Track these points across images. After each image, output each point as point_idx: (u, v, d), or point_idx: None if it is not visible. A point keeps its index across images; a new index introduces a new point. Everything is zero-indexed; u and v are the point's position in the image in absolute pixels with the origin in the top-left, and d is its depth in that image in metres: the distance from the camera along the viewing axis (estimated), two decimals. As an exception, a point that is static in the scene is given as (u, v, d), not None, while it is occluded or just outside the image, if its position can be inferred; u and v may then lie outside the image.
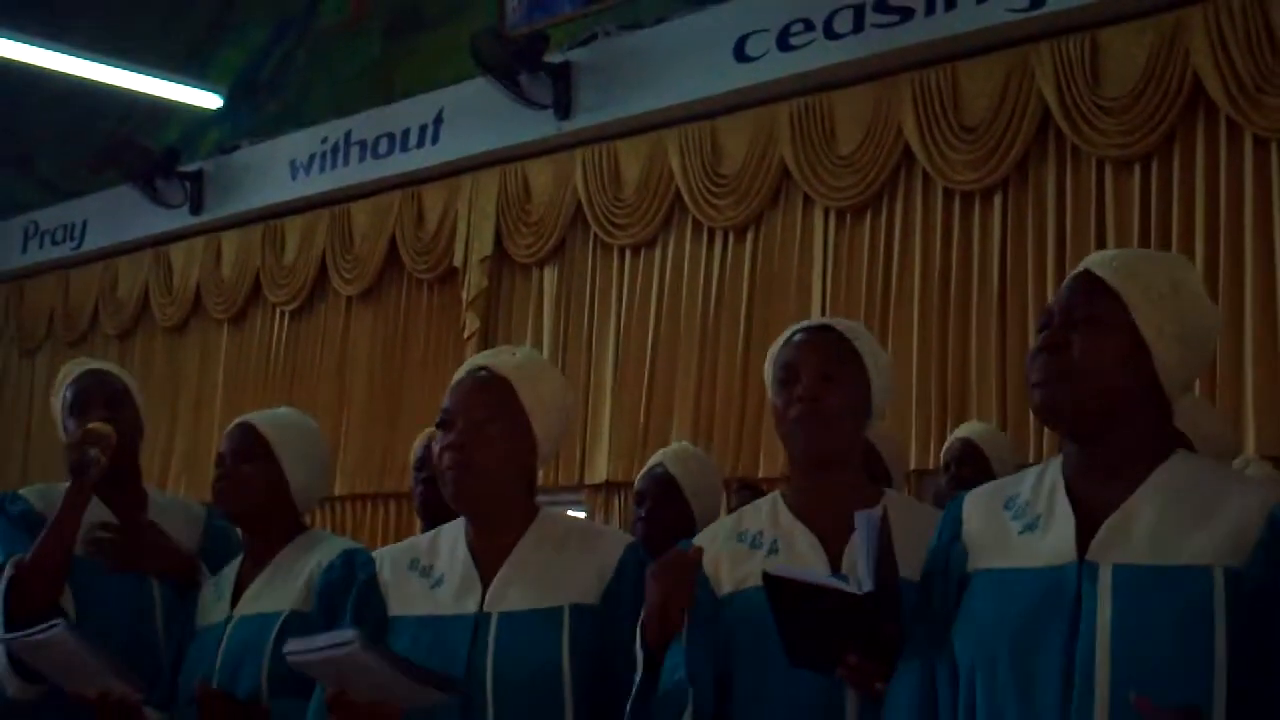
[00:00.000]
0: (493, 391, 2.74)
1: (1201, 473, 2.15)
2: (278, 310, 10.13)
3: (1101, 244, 6.36)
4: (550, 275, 8.63)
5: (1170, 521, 2.07)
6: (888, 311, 7.05)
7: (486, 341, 8.67)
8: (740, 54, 7.55)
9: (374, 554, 2.94)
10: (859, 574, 2.24)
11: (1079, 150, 6.53)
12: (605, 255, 8.37)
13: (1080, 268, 2.23)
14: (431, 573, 2.76)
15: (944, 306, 6.89)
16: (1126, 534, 2.08)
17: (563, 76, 8.24)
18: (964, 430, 5.35)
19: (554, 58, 8.22)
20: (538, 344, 8.34)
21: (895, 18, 6.94)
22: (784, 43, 7.37)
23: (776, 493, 2.73)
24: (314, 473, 3.35)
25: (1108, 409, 2.13)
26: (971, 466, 4.91)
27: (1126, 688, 1.93)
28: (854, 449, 2.66)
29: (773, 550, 2.57)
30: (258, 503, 3.24)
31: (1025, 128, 6.67)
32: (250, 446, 3.25)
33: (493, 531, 2.75)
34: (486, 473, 2.69)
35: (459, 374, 2.84)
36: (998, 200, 6.81)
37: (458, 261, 8.92)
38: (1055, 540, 2.13)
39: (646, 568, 2.53)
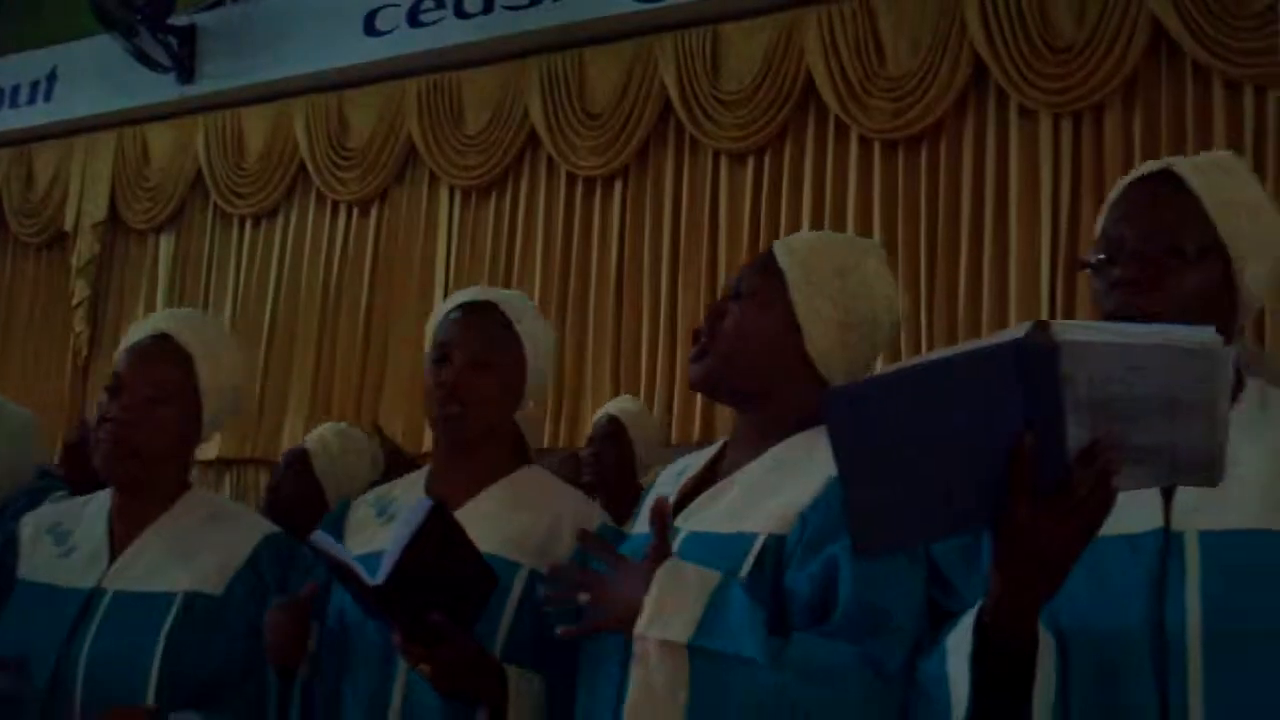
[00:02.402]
0: (170, 367, 2.50)
1: (798, 451, 2.09)
2: None
3: (715, 233, 6.49)
4: (166, 243, 8.25)
5: (751, 493, 2.03)
6: (509, 289, 6.95)
7: (95, 310, 8.24)
8: (370, 27, 7.36)
9: (26, 516, 2.65)
10: (384, 563, 2.08)
11: (697, 141, 6.62)
12: (225, 224, 8.06)
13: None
14: (67, 540, 2.54)
15: (564, 288, 6.88)
16: (712, 505, 2.06)
17: (187, 39, 7.87)
18: (611, 406, 5.26)
19: (179, 19, 7.83)
20: (150, 312, 7.90)
21: (525, 1, 6.87)
22: (414, 19, 7.22)
23: (428, 466, 2.60)
24: None
25: (752, 381, 2.10)
26: (614, 443, 4.82)
27: None
28: (502, 430, 2.53)
29: (391, 519, 2.44)
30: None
31: (647, 117, 6.72)
32: None
33: (137, 505, 2.53)
34: (149, 456, 2.48)
35: (136, 335, 2.56)
36: (619, 186, 6.84)
37: (68, 226, 8.43)
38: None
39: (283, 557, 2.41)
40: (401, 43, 7.27)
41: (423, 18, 7.19)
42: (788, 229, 6.28)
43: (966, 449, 1.41)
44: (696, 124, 6.57)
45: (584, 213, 6.92)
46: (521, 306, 2.55)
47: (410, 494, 2.48)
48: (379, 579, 2.04)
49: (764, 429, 2.11)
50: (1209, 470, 1.43)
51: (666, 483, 2.25)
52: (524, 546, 2.35)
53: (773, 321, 2.10)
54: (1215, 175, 1.82)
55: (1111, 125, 5.78)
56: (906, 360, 1.45)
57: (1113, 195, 1.90)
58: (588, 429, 6.57)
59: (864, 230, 6.11)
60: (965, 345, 1.41)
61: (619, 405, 5.11)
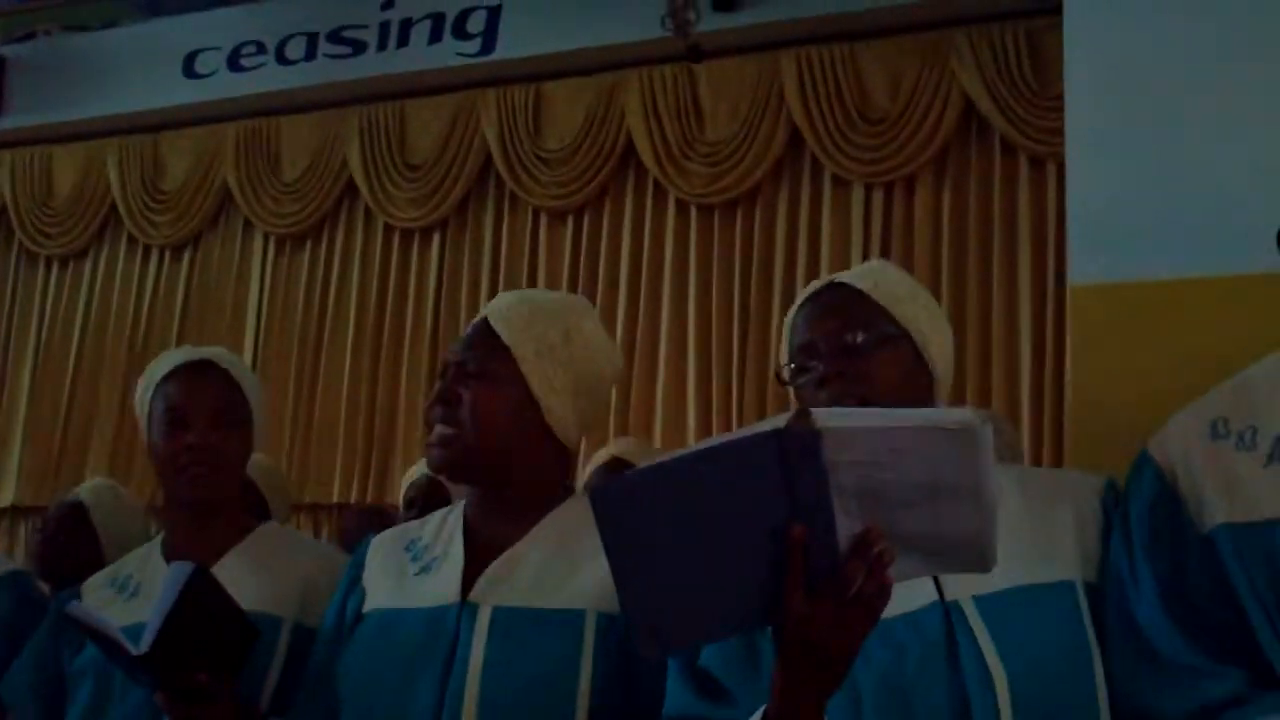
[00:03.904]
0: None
1: (576, 517, 2.05)
2: None
3: (533, 288, 6.38)
4: (-33, 282, 7.88)
5: (552, 565, 1.99)
6: (321, 341, 6.83)
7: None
8: (189, 70, 7.15)
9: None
10: (147, 630, 2.03)
11: (517, 197, 6.55)
12: (30, 264, 7.72)
13: (480, 315, 2.13)
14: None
15: (378, 340, 6.73)
16: (510, 576, 2.00)
17: (-5, 71, 7.55)
18: (425, 467, 5.06)
19: (-11, 51, 7.53)
20: (-53, 352, 7.56)
21: (347, 49, 6.75)
22: (235, 63, 7.03)
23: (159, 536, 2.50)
24: None
25: (501, 460, 2.05)
26: (437, 504, 4.62)
27: None
28: (237, 492, 2.49)
29: (135, 594, 2.38)
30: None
31: (468, 171, 6.63)
32: None
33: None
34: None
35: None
36: (437, 239, 6.72)
37: None
38: (442, 581, 2.03)
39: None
40: (221, 86, 7.07)
41: (243, 62, 7.01)
42: (606, 287, 6.25)
43: (737, 542, 1.36)
44: (517, 180, 6.49)
45: (400, 264, 6.79)
46: (238, 362, 2.49)
47: (146, 567, 2.41)
48: (142, 648, 2.00)
49: (520, 501, 2.07)
50: (981, 555, 1.41)
51: (392, 555, 2.16)
52: (284, 600, 2.30)
53: (509, 399, 2.04)
54: (876, 277, 1.94)
55: (922, 197, 5.85)
56: (671, 453, 1.39)
57: (789, 316, 1.99)
58: (397, 483, 6.46)
59: (680, 291, 6.10)
60: (729, 435, 1.37)
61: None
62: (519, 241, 6.53)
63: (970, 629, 1.71)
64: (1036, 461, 5.20)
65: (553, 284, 6.37)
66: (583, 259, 6.38)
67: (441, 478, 4.68)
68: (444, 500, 4.20)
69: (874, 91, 5.94)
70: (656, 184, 6.29)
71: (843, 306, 1.90)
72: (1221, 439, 1.81)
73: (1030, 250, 5.59)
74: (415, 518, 4.56)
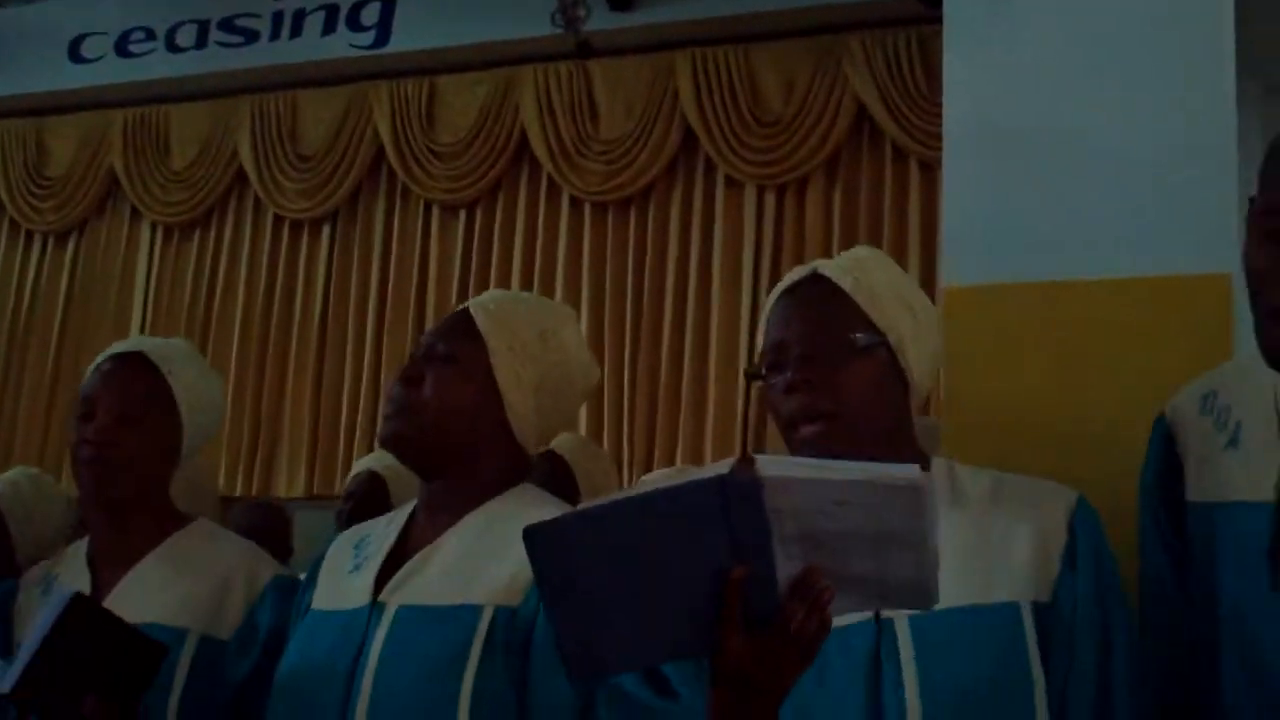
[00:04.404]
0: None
1: (508, 510, 2.00)
2: None
3: (424, 283, 6.37)
4: None
5: (464, 561, 1.94)
6: (209, 330, 6.72)
7: None
8: (75, 54, 7.01)
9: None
10: (15, 666, 1.93)
11: (409, 190, 6.49)
12: (-92, 249, 7.50)
13: (463, 305, 2.09)
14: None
15: (265, 331, 6.63)
16: (421, 574, 1.95)
17: (-128, 52, 7.33)
18: (374, 463, 4.92)
19: None
20: None
21: (239, 39, 6.66)
22: (123, 49, 6.90)
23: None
24: None
25: (452, 448, 2.00)
26: (375, 501, 4.50)
27: None
28: (160, 489, 2.33)
29: (48, 590, 2.25)
30: None
31: (359, 162, 6.56)
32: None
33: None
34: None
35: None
36: (326, 230, 6.64)
37: None
38: (361, 582, 1.98)
39: None
40: (108, 72, 6.93)
41: (132, 48, 6.88)
42: (498, 282, 6.20)
43: (677, 582, 1.37)
44: (409, 173, 6.43)
45: (290, 255, 6.70)
46: (175, 355, 2.33)
47: (72, 569, 2.28)
48: (5, 686, 1.89)
49: (462, 495, 2.01)
50: (923, 596, 1.42)
51: (342, 553, 2.10)
52: (193, 611, 2.18)
53: (472, 388, 2.00)
54: (860, 272, 1.85)
55: (813, 199, 5.88)
56: (608, 497, 1.41)
57: (768, 304, 1.90)
58: (284, 476, 6.38)
59: (573, 288, 6.08)
60: (671, 480, 1.38)
61: (380, 460, 4.84)
62: (410, 235, 6.47)
63: (898, 652, 1.67)
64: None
65: (443, 278, 6.34)
66: (474, 253, 6.34)
67: (385, 468, 4.65)
68: (382, 495, 4.10)
69: (768, 94, 5.96)
70: (550, 180, 6.26)
71: (818, 306, 1.82)
72: (1206, 414, 1.80)
73: (919, 253, 5.64)
74: (351, 511, 4.52)
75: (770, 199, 5.94)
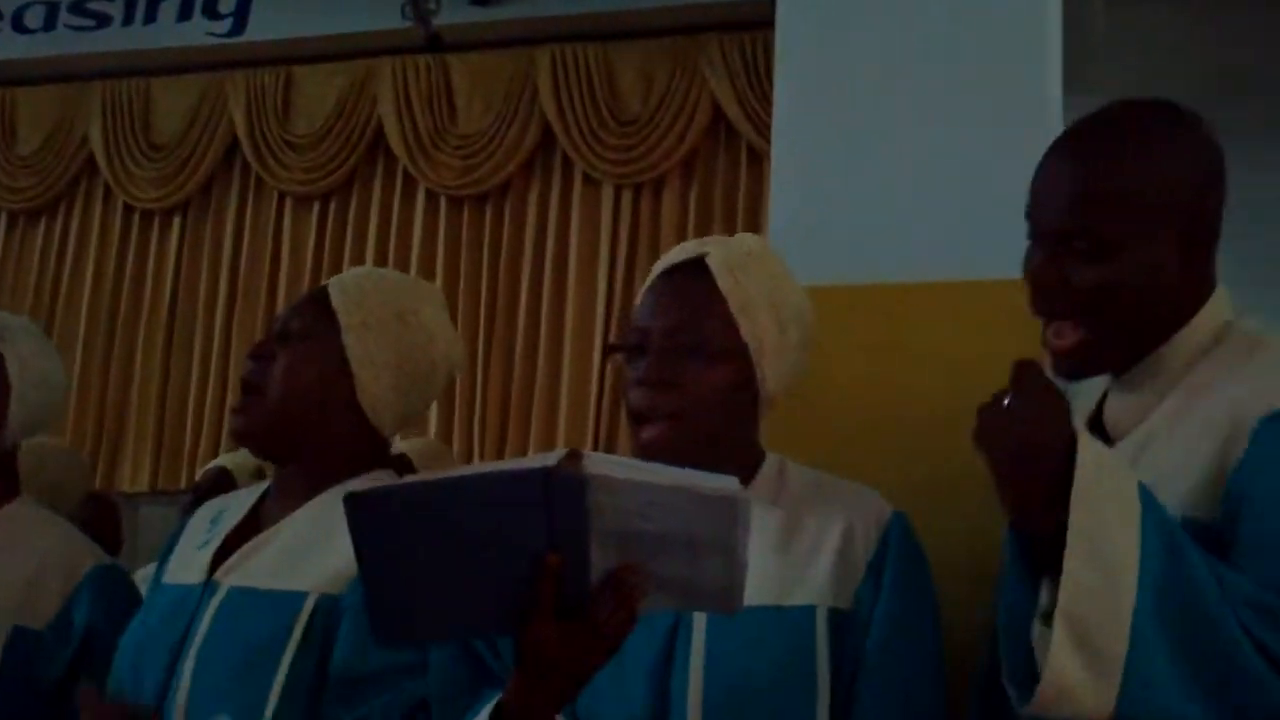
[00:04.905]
0: None
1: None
2: None
3: (275, 275, 6.28)
4: None
5: (299, 545, 1.92)
6: (54, 321, 6.52)
7: None
8: (-85, 33, 6.77)
9: None
10: None
11: (263, 181, 6.38)
12: None
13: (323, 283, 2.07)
14: None
15: (112, 323, 6.47)
16: (256, 555, 1.93)
17: None
18: (224, 458, 4.82)
19: None
20: None
21: (90, 22, 6.49)
22: (-34, 29, 6.68)
23: None
24: None
25: (299, 429, 1.98)
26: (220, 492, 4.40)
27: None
28: None
29: None
30: None
31: (212, 152, 6.43)
32: None
33: None
34: None
35: None
36: (178, 221, 6.50)
37: None
38: (201, 559, 1.97)
39: None
40: (-52, 52, 6.71)
41: (-25, 28, 6.68)
42: (351, 278, 6.12)
43: (493, 562, 1.40)
44: (263, 164, 6.33)
45: (139, 245, 6.53)
46: (12, 325, 2.30)
47: None
48: None
49: (310, 478, 1.98)
50: (727, 601, 1.46)
51: (199, 525, 2.07)
52: (3, 599, 2.12)
53: (323, 365, 1.97)
54: (742, 273, 1.83)
55: (670, 198, 5.88)
56: (436, 473, 1.43)
57: (649, 280, 1.89)
58: (128, 469, 6.24)
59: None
60: (498, 465, 1.44)
61: (233, 459, 4.75)
62: (263, 226, 6.36)
63: (690, 645, 1.70)
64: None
65: (296, 269, 6.25)
66: (328, 245, 6.25)
67: (235, 465, 4.56)
68: (229, 491, 4.02)
69: (626, 93, 5.95)
70: (406, 174, 6.19)
71: (690, 301, 1.82)
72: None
73: (774, 254, 5.66)
74: (193, 506, 4.42)
75: (627, 197, 5.93)
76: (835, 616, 1.74)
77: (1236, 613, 1.44)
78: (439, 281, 6.02)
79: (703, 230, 5.80)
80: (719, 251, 1.85)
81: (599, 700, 1.64)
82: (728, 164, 5.86)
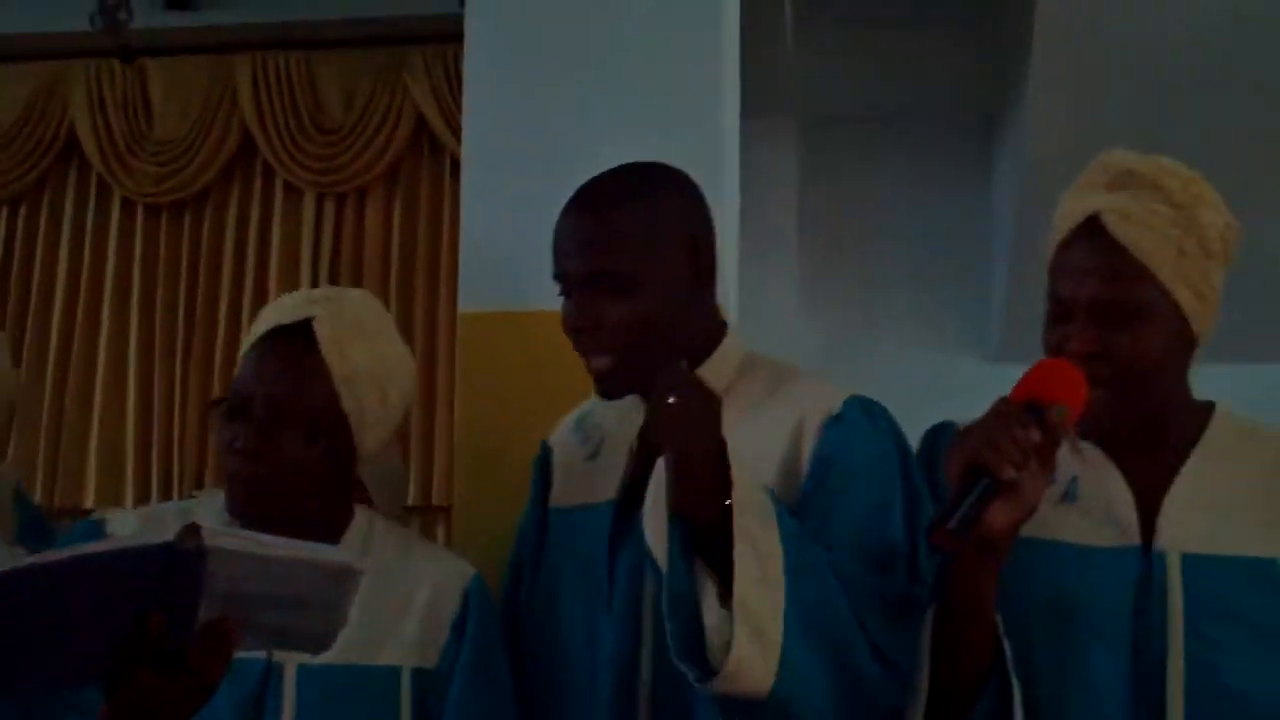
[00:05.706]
0: None
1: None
2: None
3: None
4: None
5: None
6: None
7: None
8: None
9: None
10: None
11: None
12: None
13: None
14: None
15: None
16: None
17: None
18: None
19: None
20: None
21: None
22: None
23: None
24: None
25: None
26: None
27: None
28: None
29: None
30: None
31: (-110, 153, 6.08)
32: None
33: None
34: None
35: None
36: None
37: None
38: None
39: None
40: None
41: None
42: (42, 284, 5.91)
43: (92, 617, 1.39)
44: (-53, 168, 6.03)
45: None
46: None
47: None
48: None
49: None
50: (318, 646, 1.52)
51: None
52: None
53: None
54: (349, 344, 1.93)
55: (373, 210, 5.85)
56: (50, 554, 1.39)
57: (254, 334, 1.96)
58: None
59: (123, 293, 5.84)
60: (117, 542, 1.42)
61: None
62: (-56, 234, 6.06)
63: (281, 695, 1.81)
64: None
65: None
66: (17, 252, 5.99)
67: None
68: None
69: (329, 102, 5.89)
70: (100, 180, 5.98)
71: (290, 370, 1.90)
72: (578, 433, 2.11)
73: (475, 267, 5.68)
74: None
75: (330, 207, 5.88)
76: (420, 676, 1.90)
77: (853, 604, 1.68)
78: (135, 291, 5.86)
79: (407, 240, 5.79)
80: (325, 319, 1.92)
81: None
82: (432, 175, 5.86)
